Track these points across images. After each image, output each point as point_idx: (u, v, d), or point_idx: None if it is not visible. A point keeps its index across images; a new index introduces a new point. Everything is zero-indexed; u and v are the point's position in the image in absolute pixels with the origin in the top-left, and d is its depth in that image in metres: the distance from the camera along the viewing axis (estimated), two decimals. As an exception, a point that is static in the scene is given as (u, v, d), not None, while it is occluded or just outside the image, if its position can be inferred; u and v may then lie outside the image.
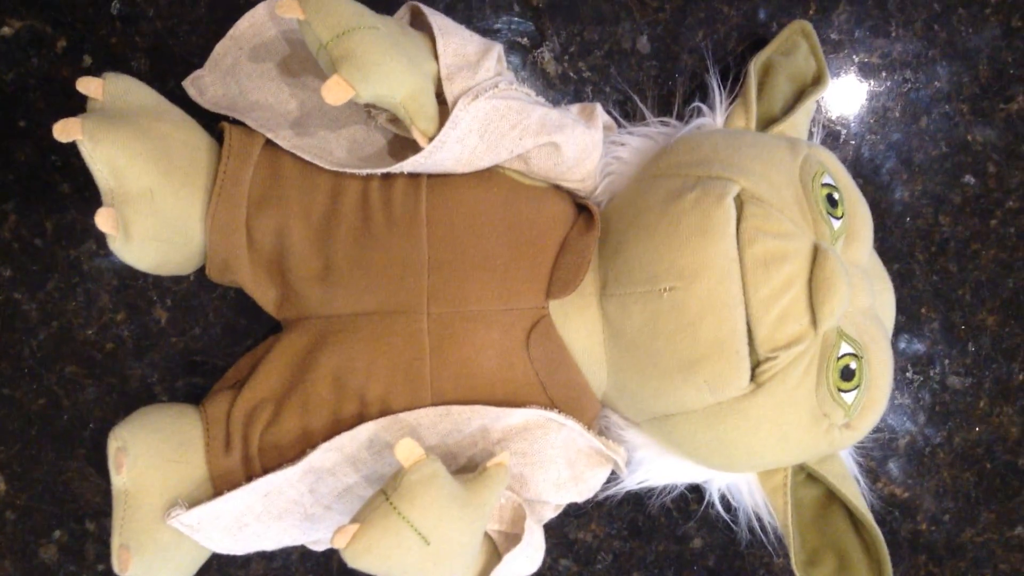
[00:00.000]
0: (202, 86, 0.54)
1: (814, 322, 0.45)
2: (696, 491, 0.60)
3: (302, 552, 0.59)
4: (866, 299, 0.49)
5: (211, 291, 0.57)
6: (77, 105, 0.49)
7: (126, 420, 0.50)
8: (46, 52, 0.56)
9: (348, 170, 0.50)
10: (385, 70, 0.44)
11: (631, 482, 0.55)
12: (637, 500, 0.61)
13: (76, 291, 0.57)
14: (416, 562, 0.42)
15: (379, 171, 0.49)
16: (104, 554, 0.58)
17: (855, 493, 0.53)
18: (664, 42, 0.60)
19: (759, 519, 0.55)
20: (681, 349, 0.46)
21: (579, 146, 0.51)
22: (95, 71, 0.53)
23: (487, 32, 0.59)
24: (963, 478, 0.64)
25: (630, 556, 0.62)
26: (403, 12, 0.52)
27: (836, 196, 0.48)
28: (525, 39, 0.59)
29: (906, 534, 0.64)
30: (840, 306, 0.45)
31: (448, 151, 0.48)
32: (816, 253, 0.46)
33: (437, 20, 0.49)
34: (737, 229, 0.46)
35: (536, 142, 0.49)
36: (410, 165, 0.48)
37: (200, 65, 0.54)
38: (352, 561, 0.41)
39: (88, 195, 0.57)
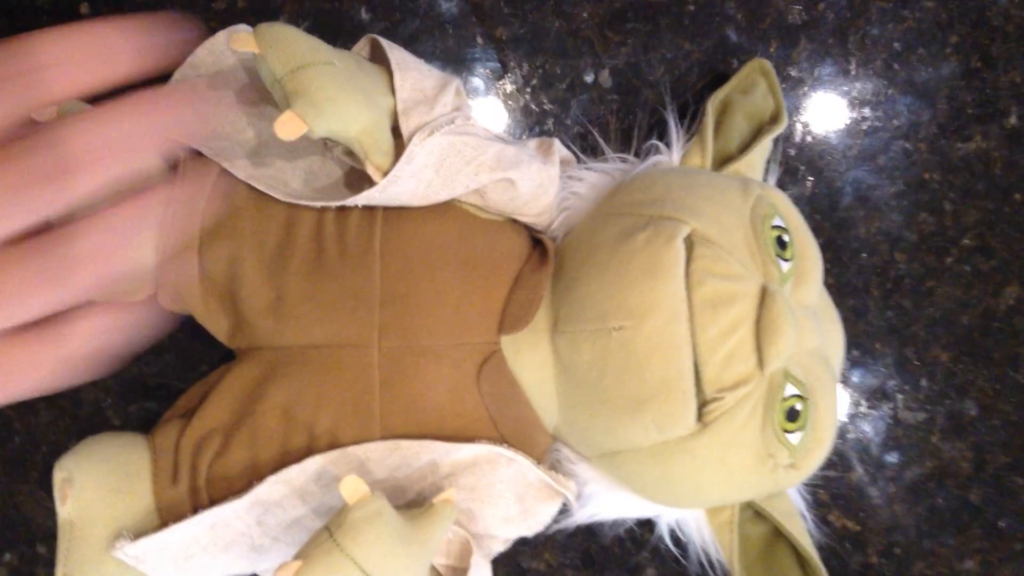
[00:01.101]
0: (160, 112, 0.54)
1: (760, 363, 0.46)
2: (649, 522, 0.61)
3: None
4: (814, 340, 0.49)
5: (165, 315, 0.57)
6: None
7: (73, 450, 0.49)
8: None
9: (303, 202, 0.50)
10: (339, 106, 0.44)
11: (582, 516, 0.55)
12: (590, 530, 0.61)
13: (31, 314, 0.57)
14: (359, 600, 0.42)
15: (333, 204, 0.49)
16: (54, 578, 0.58)
17: (801, 531, 0.54)
18: (626, 76, 0.60)
19: (708, 554, 0.55)
20: (629, 388, 0.47)
21: (535, 182, 0.51)
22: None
23: (450, 64, 0.59)
24: (915, 512, 0.64)
25: (583, 586, 0.63)
26: (362, 44, 0.52)
27: (786, 238, 0.49)
28: (488, 71, 0.59)
29: (856, 567, 0.64)
30: (786, 348, 0.45)
31: (403, 185, 0.48)
32: (764, 295, 0.46)
33: (395, 55, 0.49)
34: (687, 270, 0.46)
35: (492, 178, 0.50)
36: (364, 199, 0.48)
37: (160, 89, 0.54)
38: (294, 599, 0.41)
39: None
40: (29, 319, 0.27)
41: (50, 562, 0.58)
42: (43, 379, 0.28)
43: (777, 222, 0.49)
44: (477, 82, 0.59)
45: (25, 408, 0.57)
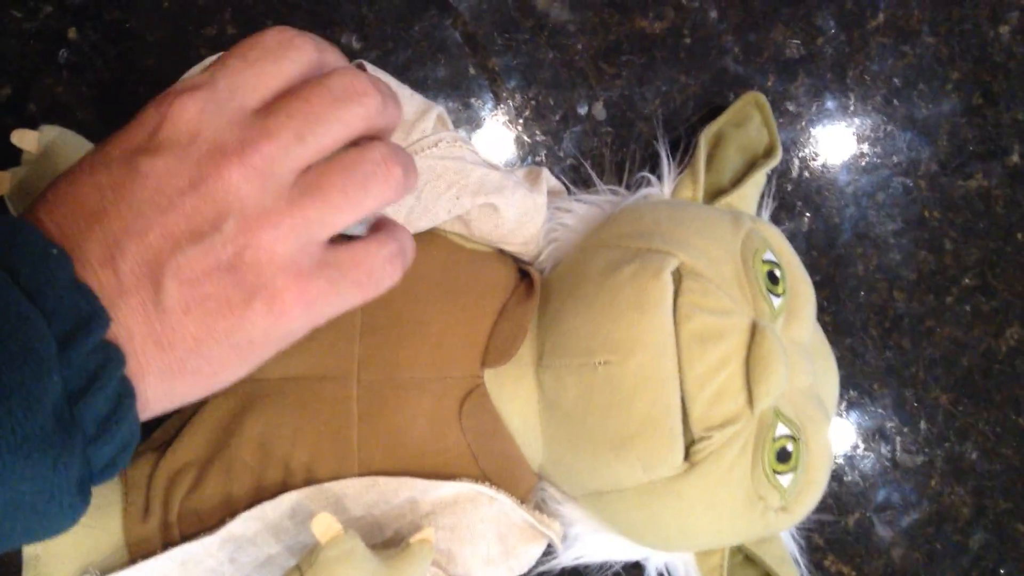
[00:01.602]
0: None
1: (750, 402, 0.44)
2: (637, 567, 0.59)
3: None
4: (806, 379, 0.48)
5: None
6: (19, 155, 0.49)
7: (42, 481, 0.48)
8: (-9, 98, 0.56)
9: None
10: None
11: (567, 558, 0.53)
12: (576, 573, 0.59)
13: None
14: (331, 642, 0.40)
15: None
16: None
17: (793, 577, 0.52)
18: (620, 109, 0.60)
19: (697, 600, 0.54)
20: (614, 425, 0.45)
21: (520, 209, 0.50)
22: (39, 120, 0.52)
23: (442, 94, 0.58)
24: (912, 558, 0.63)
25: (571, 630, 0.61)
26: (350, 70, 0.51)
27: (777, 273, 0.48)
28: (480, 101, 0.59)
29: (854, 615, 0.63)
30: (777, 386, 0.44)
31: (382, 210, 0.47)
32: (754, 331, 0.45)
33: (379, 78, 0.48)
34: (675, 304, 0.45)
35: (474, 202, 0.49)
36: (342, 227, 0.47)
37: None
38: (262, 639, 0.40)
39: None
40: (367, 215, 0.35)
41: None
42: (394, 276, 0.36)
43: (768, 256, 0.48)
44: (469, 112, 0.59)
45: None
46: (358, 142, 0.35)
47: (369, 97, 0.34)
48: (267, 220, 0.32)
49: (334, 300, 0.34)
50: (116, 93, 0.56)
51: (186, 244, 0.31)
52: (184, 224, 0.31)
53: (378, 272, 0.36)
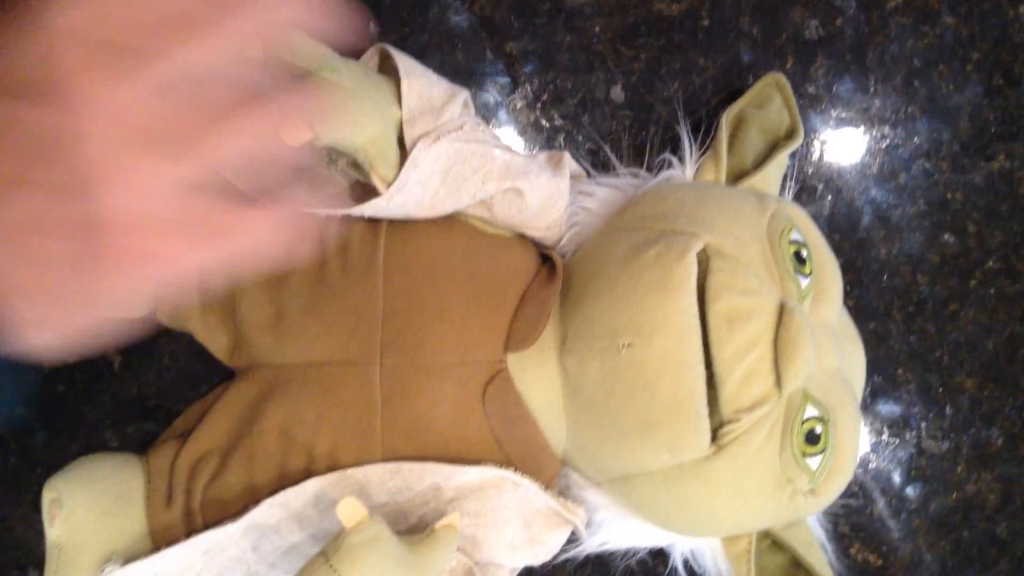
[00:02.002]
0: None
1: (778, 383, 0.44)
2: (662, 554, 0.58)
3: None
4: (834, 360, 0.48)
5: (166, 335, 0.56)
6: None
7: (63, 470, 0.48)
8: None
9: (306, 211, 0.48)
10: (346, 114, 0.43)
11: (591, 545, 0.53)
12: (601, 563, 0.59)
13: (28, 331, 0.55)
14: (357, 628, 0.40)
15: (338, 213, 0.48)
16: (46, 605, 0.56)
17: (821, 562, 0.51)
18: (638, 92, 0.59)
19: (724, 586, 0.53)
20: (639, 408, 0.45)
21: (543, 193, 0.50)
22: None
23: (459, 79, 0.58)
24: (939, 546, 0.62)
25: (594, 619, 0.60)
26: (371, 54, 0.51)
27: (804, 253, 0.47)
28: (498, 86, 0.58)
29: (880, 603, 0.62)
30: (805, 367, 0.43)
31: (409, 194, 0.47)
32: (782, 312, 0.44)
33: (404, 62, 0.48)
34: (703, 284, 0.45)
35: (499, 187, 0.48)
36: (371, 208, 0.47)
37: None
38: (288, 625, 0.40)
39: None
40: None
41: (43, 589, 0.56)
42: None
43: (795, 236, 0.47)
44: (487, 97, 0.58)
45: (21, 428, 0.56)
46: None
47: None
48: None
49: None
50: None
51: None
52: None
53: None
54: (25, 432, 0.55)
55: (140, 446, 0.54)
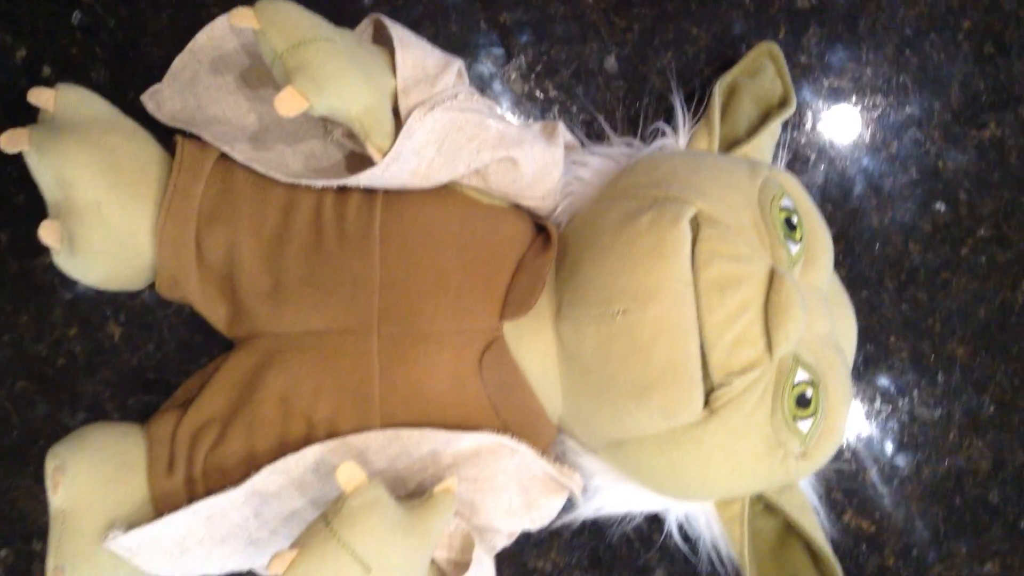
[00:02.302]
0: (160, 100, 0.53)
1: (769, 347, 0.44)
2: (657, 520, 0.59)
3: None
4: (824, 325, 0.48)
5: (166, 307, 0.56)
6: (35, 114, 0.49)
7: (66, 438, 0.48)
8: (5, 62, 0.56)
9: (303, 182, 0.49)
10: (340, 83, 0.43)
11: (587, 510, 0.53)
12: (597, 529, 0.59)
13: (28, 305, 0.56)
14: (356, 590, 0.40)
15: (335, 183, 0.48)
16: (50, 575, 0.57)
17: (814, 525, 0.52)
18: (632, 62, 0.59)
19: (718, 550, 0.54)
20: (634, 373, 0.45)
21: (538, 163, 0.50)
22: (54, 81, 0.52)
23: (453, 50, 0.58)
24: (932, 512, 0.63)
25: (591, 585, 0.61)
26: (365, 25, 0.51)
27: (795, 220, 0.48)
28: (492, 57, 0.58)
29: (873, 569, 0.63)
30: (795, 331, 0.44)
31: (404, 163, 0.47)
32: (772, 277, 0.45)
33: (398, 32, 0.48)
34: (693, 251, 0.45)
35: (494, 156, 0.48)
36: (366, 178, 0.47)
37: (162, 75, 0.54)
38: (290, 588, 0.40)
39: (44, 208, 0.56)
40: None
41: (45, 559, 0.57)
42: None
43: (786, 203, 0.48)
44: (481, 68, 0.58)
45: (23, 401, 0.56)
46: None
47: None
48: None
49: None
50: (129, 54, 0.56)
51: None
52: None
53: None
54: (27, 404, 0.56)
55: (141, 418, 0.54)
